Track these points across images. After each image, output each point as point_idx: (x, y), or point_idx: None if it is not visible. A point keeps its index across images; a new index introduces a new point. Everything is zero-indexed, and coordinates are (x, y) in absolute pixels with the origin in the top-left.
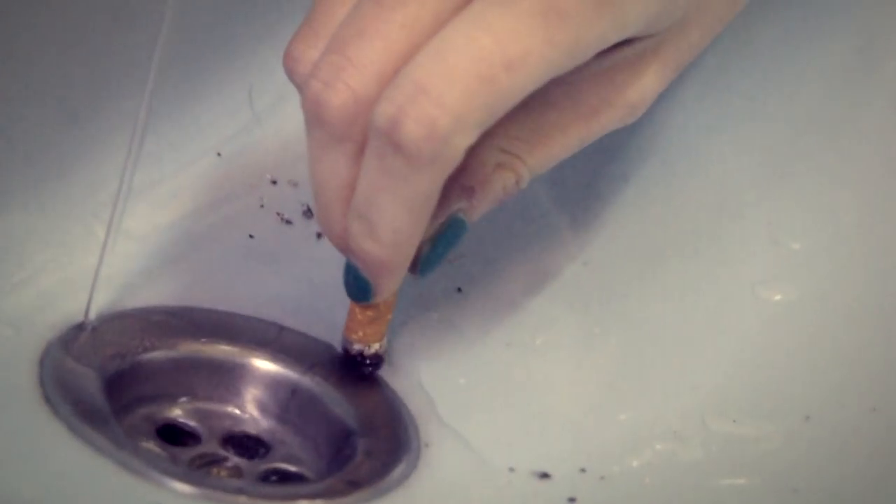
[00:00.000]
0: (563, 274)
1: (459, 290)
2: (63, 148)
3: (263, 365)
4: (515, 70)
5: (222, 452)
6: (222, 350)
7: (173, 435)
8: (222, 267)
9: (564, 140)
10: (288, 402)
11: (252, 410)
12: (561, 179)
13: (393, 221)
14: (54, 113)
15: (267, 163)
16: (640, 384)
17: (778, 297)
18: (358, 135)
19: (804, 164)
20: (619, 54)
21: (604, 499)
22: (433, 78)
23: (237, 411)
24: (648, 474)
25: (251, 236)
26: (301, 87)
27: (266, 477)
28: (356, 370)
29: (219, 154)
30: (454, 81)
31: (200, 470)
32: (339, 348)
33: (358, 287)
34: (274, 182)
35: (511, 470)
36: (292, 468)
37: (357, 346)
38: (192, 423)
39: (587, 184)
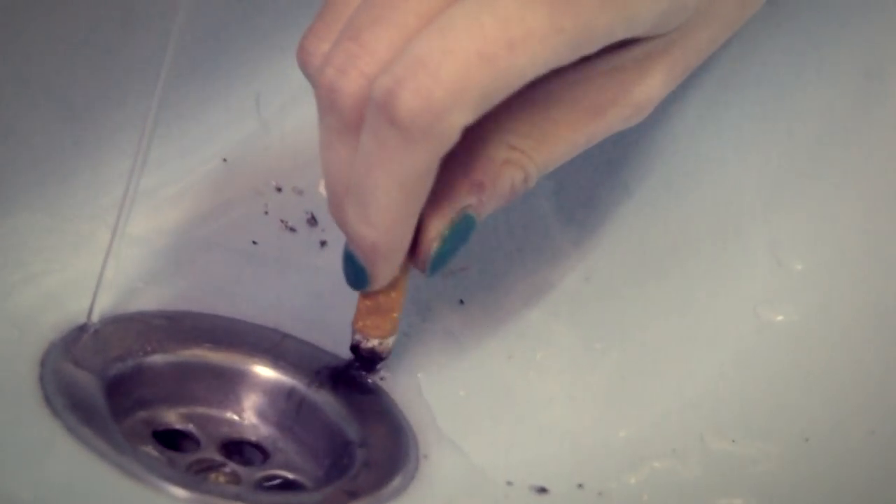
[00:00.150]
0: (565, 288)
1: (461, 301)
2: (69, 150)
3: (264, 372)
4: (517, 51)
5: (220, 458)
6: (223, 356)
7: (172, 439)
8: (225, 272)
9: (571, 138)
10: (287, 409)
11: (251, 417)
12: (564, 194)
13: (385, 201)
14: (61, 115)
15: (272, 170)
16: (639, 401)
17: (779, 318)
18: None
19: (808, 184)
20: (626, 54)
21: None
22: (433, 53)
23: (236, 417)
24: (646, 491)
25: (255, 242)
26: (314, 76)
27: (263, 484)
28: (354, 372)
29: (224, 160)
30: (453, 57)
31: (198, 475)
32: (341, 355)
33: (354, 272)
34: (279, 189)
35: (509, 484)
36: (290, 476)
37: (356, 337)
38: (191, 428)
39: (590, 199)
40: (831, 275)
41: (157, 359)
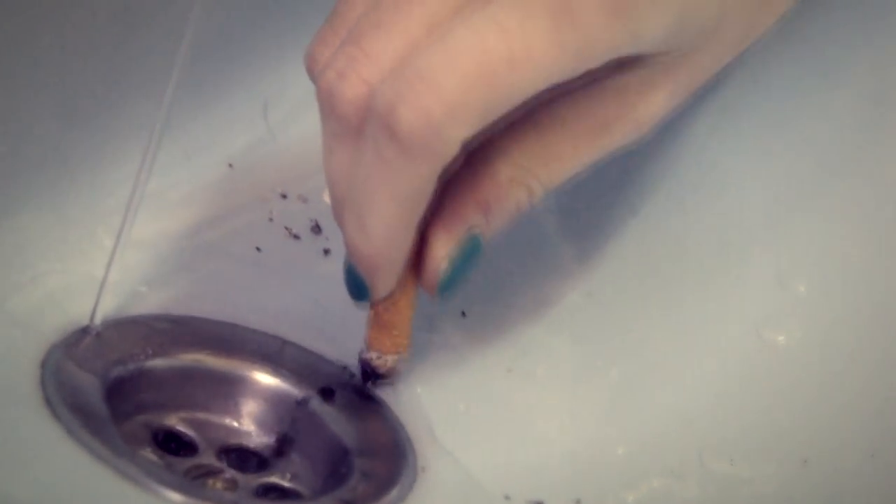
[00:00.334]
0: (568, 304)
1: (463, 314)
2: (76, 152)
3: (264, 379)
4: (518, 67)
5: (218, 464)
6: (224, 362)
7: (171, 444)
8: (228, 278)
9: (576, 155)
10: (287, 417)
11: (250, 424)
12: (568, 210)
13: (382, 214)
14: (69, 117)
15: (278, 177)
16: (639, 419)
17: (781, 340)
18: None
19: (814, 208)
20: (631, 72)
21: None
22: (433, 67)
23: (235, 424)
24: None
25: (258, 249)
26: (316, 79)
27: (261, 492)
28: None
29: (230, 165)
30: (453, 72)
31: (196, 481)
32: (342, 365)
33: (354, 284)
34: (284, 196)
35: (507, 498)
36: (288, 484)
37: (362, 346)
38: (190, 433)
39: (595, 216)
40: (834, 298)
41: (159, 363)
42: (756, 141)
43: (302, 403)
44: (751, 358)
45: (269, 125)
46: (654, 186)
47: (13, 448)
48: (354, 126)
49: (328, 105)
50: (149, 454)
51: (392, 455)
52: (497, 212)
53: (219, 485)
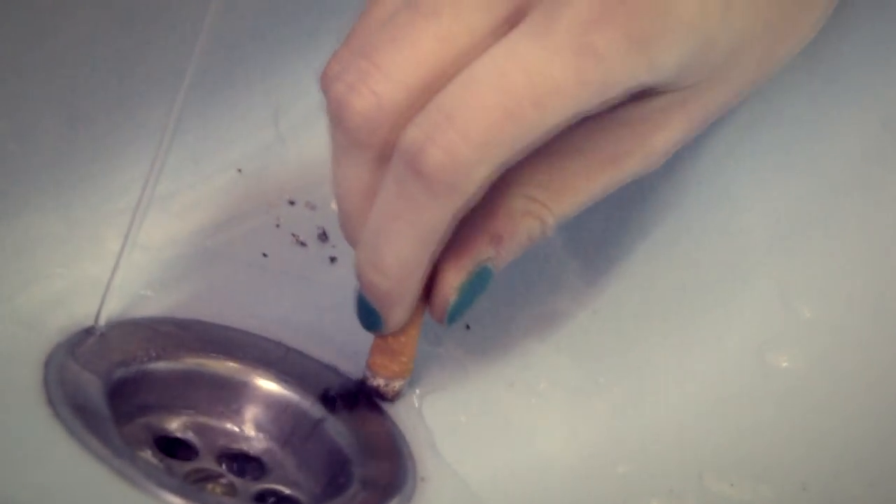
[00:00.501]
0: (572, 320)
1: (468, 327)
2: (85, 154)
3: (266, 385)
4: (543, 107)
5: (218, 469)
6: (227, 366)
7: (171, 447)
8: (233, 283)
9: (588, 187)
10: (288, 424)
11: (251, 429)
12: (575, 227)
13: (400, 252)
14: (80, 118)
15: (286, 183)
16: (640, 437)
17: (785, 363)
18: (380, 143)
19: (821, 232)
20: (645, 105)
21: None
22: (460, 108)
23: (236, 429)
24: None
25: (265, 255)
26: (326, 90)
27: (260, 498)
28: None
29: (239, 170)
30: (480, 113)
31: (195, 485)
32: (345, 374)
33: (367, 316)
34: (292, 203)
35: None
36: (286, 491)
37: (365, 373)
38: (190, 437)
39: (601, 233)
40: (839, 323)
41: (161, 365)
42: (766, 165)
43: (307, 405)
44: (753, 380)
45: (279, 131)
46: (662, 207)
47: (14, 446)
48: (362, 140)
49: (338, 116)
50: (149, 456)
51: (392, 465)
52: (509, 244)
53: (218, 489)
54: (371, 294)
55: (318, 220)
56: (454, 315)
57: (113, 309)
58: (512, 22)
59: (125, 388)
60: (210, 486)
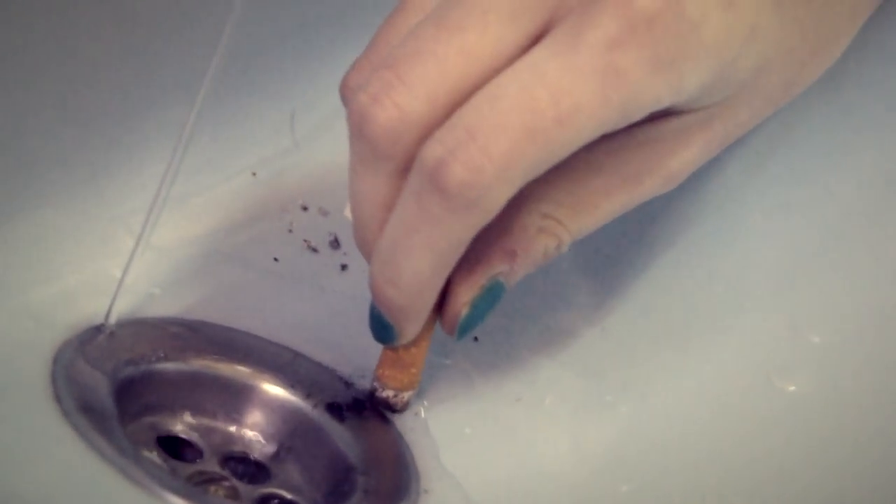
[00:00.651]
0: (580, 337)
1: (476, 339)
2: (102, 152)
3: (273, 389)
4: (566, 125)
5: (221, 472)
6: (234, 369)
7: (175, 448)
8: (244, 286)
9: (606, 206)
10: (293, 429)
11: (256, 433)
12: (587, 245)
13: (416, 267)
14: (98, 117)
15: (300, 188)
16: (644, 457)
17: (792, 388)
18: (400, 155)
19: (834, 260)
20: (666, 125)
21: None
22: (483, 125)
23: (241, 432)
24: None
25: (276, 259)
26: (348, 101)
27: (262, 502)
28: (364, 407)
29: (254, 174)
30: (503, 131)
31: (198, 487)
32: (352, 382)
33: (381, 328)
34: (305, 208)
35: None
36: (289, 496)
37: (374, 384)
38: (195, 439)
39: (612, 252)
40: (848, 350)
41: (169, 366)
42: (780, 191)
43: (312, 411)
44: (760, 404)
45: (294, 137)
46: (673, 228)
47: (20, 442)
48: (383, 152)
49: (358, 127)
50: (153, 457)
51: (395, 475)
52: (523, 260)
53: (220, 492)
54: (385, 308)
55: (331, 227)
56: (465, 329)
57: (123, 308)
58: (537, 37)
59: (132, 387)
60: (213, 488)
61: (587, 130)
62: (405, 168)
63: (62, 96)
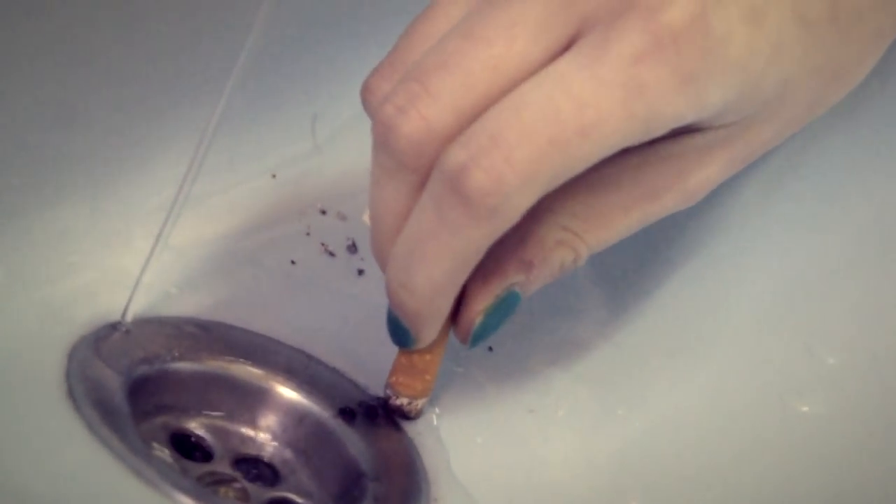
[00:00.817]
0: (595, 351)
1: (490, 349)
2: (123, 150)
3: (286, 392)
4: (588, 137)
5: (232, 473)
6: (248, 371)
7: (187, 448)
8: (260, 288)
9: (625, 221)
10: (304, 433)
11: (268, 436)
12: (603, 258)
13: (432, 273)
14: (121, 116)
15: (319, 192)
16: (655, 472)
17: (805, 409)
18: (424, 167)
19: (850, 281)
20: (688, 141)
21: None
22: (507, 133)
23: (253, 434)
24: None
25: (293, 262)
26: (374, 112)
27: None
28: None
29: (273, 176)
30: (527, 140)
31: (208, 487)
32: (366, 387)
33: (398, 332)
34: (323, 212)
35: None
36: (299, 500)
37: (388, 392)
38: (207, 439)
39: (629, 266)
40: (862, 372)
41: (183, 366)
42: (798, 212)
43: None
44: (772, 424)
45: (315, 140)
46: (692, 245)
47: (32, 436)
48: (406, 162)
49: (384, 138)
50: (165, 456)
51: (406, 482)
52: (539, 271)
53: (231, 494)
54: (400, 312)
55: (349, 232)
56: (478, 337)
57: (139, 306)
58: (563, 49)
59: (146, 385)
60: (223, 489)
61: (609, 143)
62: (427, 180)
63: (86, 93)
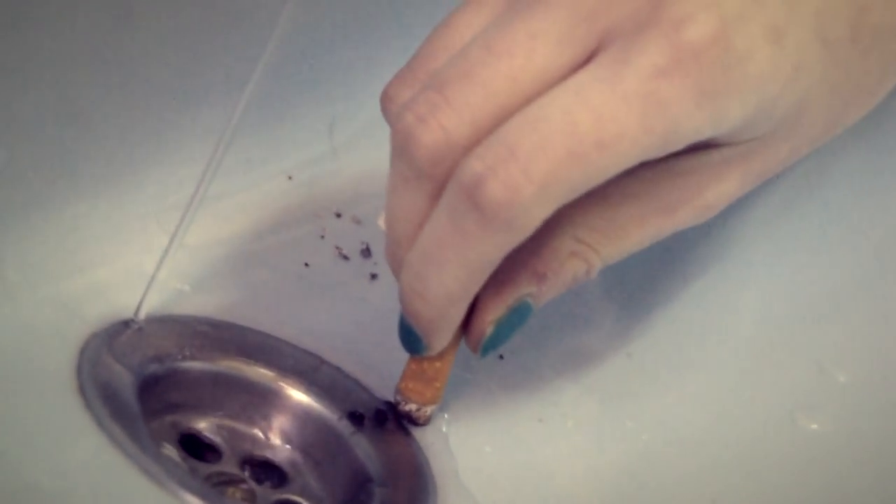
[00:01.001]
0: (605, 362)
1: (501, 357)
2: (141, 148)
3: (296, 395)
4: (606, 150)
5: (240, 474)
6: (259, 372)
7: (195, 447)
8: (273, 290)
9: (639, 234)
10: (313, 436)
11: (277, 438)
12: (616, 270)
13: (446, 282)
14: (139, 114)
15: (335, 195)
16: (663, 486)
17: (814, 426)
18: (441, 176)
19: (863, 299)
20: (705, 156)
21: None
22: (524, 145)
23: (262, 435)
24: None
25: (307, 265)
26: (393, 120)
27: None
28: (386, 419)
29: (290, 178)
30: (544, 152)
31: (216, 488)
32: (376, 392)
33: (410, 339)
34: (338, 215)
35: None
36: (305, 503)
37: (397, 398)
38: (215, 439)
39: (641, 279)
40: (873, 391)
41: (194, 365)
42: (812, 230)
43: (334, 419)
44: (783, 441)
45: (333, 143)
46: (705, 260)
47: (42, 431)
48: (424, 171)
49: (403, 146)
50: (173, 455)
51: (413, 489)
52: (552, 282)
53: (238, 494)
54: (412, 319)
55: (363, 236)
56: (489, 347)
57: (153, 304)
58: (583, 62)
59: (156, 384)
60: (230, 490)
61: (627, 157)
62: (444, 189)
63: (105, 91)
